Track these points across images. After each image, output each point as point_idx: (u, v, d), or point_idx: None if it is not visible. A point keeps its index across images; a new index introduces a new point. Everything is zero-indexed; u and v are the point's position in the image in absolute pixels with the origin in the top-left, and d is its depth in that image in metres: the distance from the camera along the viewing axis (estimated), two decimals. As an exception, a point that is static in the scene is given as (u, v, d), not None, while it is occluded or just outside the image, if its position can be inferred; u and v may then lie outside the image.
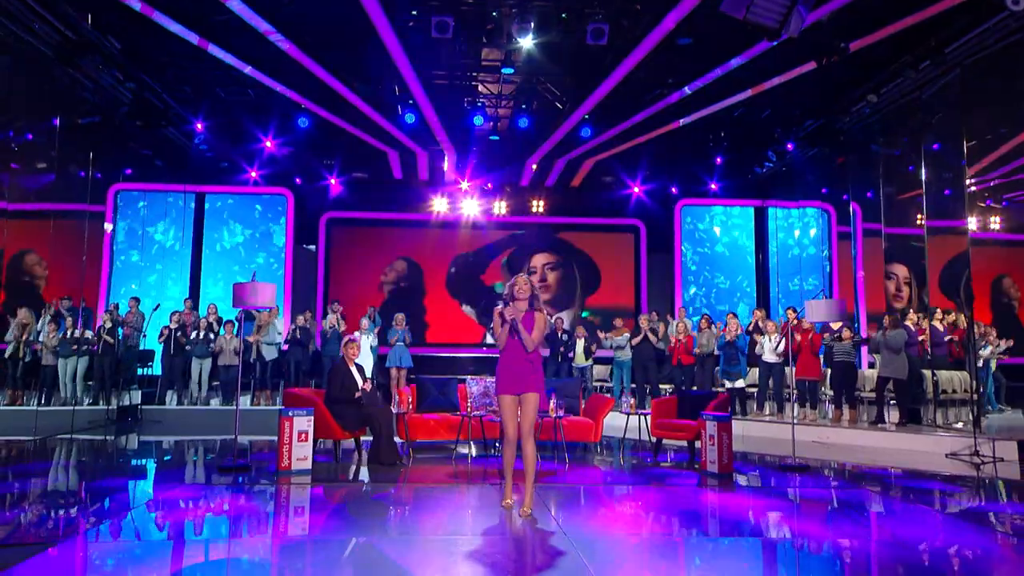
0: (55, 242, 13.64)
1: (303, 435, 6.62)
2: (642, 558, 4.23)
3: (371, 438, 7.37)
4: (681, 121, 11.55)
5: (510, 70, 10.30)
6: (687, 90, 10.56)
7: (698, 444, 7.18)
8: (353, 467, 7.19)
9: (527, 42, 9.03)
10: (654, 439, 8.10)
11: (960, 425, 10.14)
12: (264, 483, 6.18)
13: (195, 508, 5.47)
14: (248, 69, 10.08)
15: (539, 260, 15.81)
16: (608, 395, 12.16)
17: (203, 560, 4.12)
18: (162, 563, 4.04)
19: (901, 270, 15.30)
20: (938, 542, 4.82)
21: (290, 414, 6.61)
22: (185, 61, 10.42)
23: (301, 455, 6.58)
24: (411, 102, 11.16)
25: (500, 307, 5.00)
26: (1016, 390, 12.68)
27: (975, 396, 9.68)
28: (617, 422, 8.85)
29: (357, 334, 11.92)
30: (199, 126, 12.14)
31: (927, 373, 10.61)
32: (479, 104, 11.70)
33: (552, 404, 7.31)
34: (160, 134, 12.20)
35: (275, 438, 6.82)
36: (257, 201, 15.10)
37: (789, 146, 12.40)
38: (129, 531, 4.66)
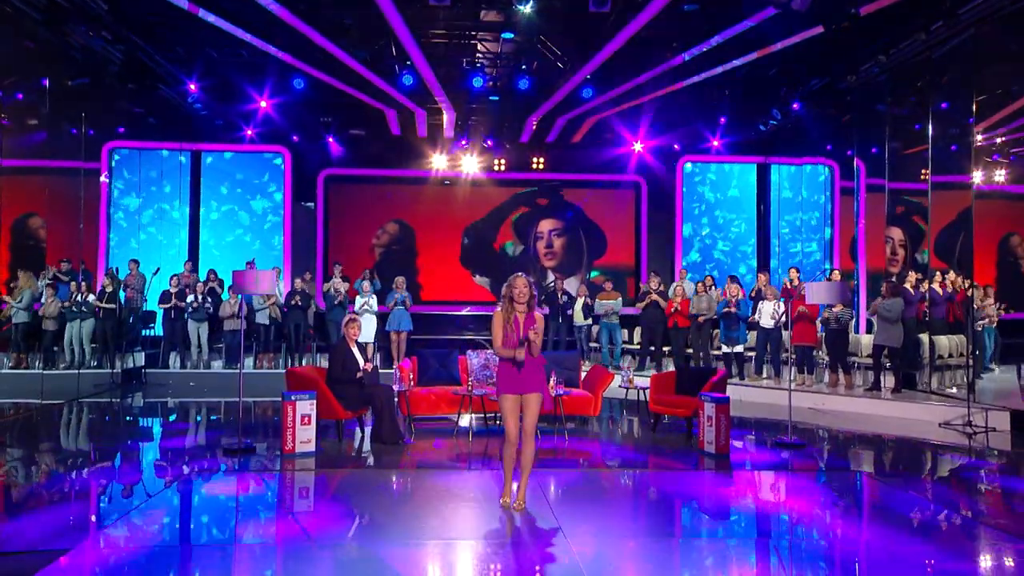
0: (51, 202, 13.51)
1: (306, 418, 6.72)
2: (637, 558, 4.35)
3: (373, 416, 7.51)
4: (685, 82, 11.28)
5: (510, 35, 10.00)
6: (693, 52, 10.28)
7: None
8: (356, 448, 7.29)
9: (527, 8, 8.73)
10: (653, 415, 8.22)
11: (954, 390, 10.27)
12: (269, 468, 6.31)
13: (202, 502, 5.59)
14: (240, 33, 9.78)
15: (545, 226, 15.70)
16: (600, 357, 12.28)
17: (207, 562, 4.25)
18: (170, 564, 4.16)
19: (896, 233, 15.23)
20: (920, 532, 4.95)
21: (292, 398, 6.69)
22: (175, 21, 10.10)
23: (304, 438, 6.69)
24: (408, 63, 10.87)
25: (500, 310, 4.98)
26: (1012, 347, 12.75)
27: (970, 362, 9.76)
28: (618, 383, 8.89)
29: (358, 299, 11.97)
30: (192, 87, 11.86)
31: (924, 338, 10.68)
32: (478, 65, 11.40)
33: (552, 381, 7.37)
34: (154, 94, 11.95)
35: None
36: (254, 159, 14.90)
37: (795, 105, 12.14)
38: (136, 532, 4.74)
